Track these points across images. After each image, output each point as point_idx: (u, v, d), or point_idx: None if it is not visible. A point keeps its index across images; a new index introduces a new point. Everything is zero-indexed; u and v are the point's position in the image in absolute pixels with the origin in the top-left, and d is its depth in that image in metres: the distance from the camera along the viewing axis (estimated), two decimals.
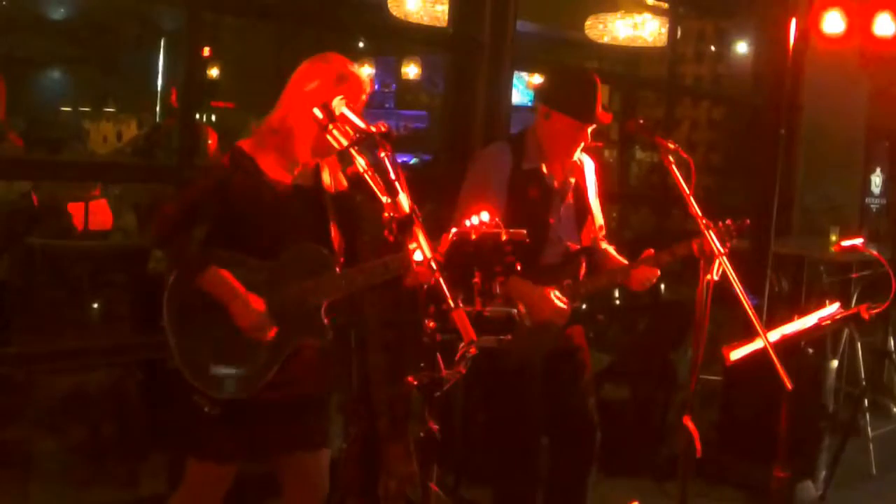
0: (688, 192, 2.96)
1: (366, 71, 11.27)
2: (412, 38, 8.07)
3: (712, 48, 8.75)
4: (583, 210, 3.60)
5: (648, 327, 6.14)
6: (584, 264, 3.56)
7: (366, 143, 2.42)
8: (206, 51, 10.68)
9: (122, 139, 10.23)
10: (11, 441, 4.38)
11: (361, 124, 2.47)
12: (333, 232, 2.83)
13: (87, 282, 5.16)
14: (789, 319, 3.28)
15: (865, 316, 3.34)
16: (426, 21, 7.22)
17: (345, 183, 2.92)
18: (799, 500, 4.66)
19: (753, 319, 2.88)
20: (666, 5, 7.55)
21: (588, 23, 8.13)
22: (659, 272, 3.47)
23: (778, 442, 3.14)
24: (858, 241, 5.30)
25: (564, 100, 3.42)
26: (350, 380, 3.53)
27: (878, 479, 5.28)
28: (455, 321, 2.05)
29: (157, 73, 12.20)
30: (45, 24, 11.30)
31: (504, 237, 2.23)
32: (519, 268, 2.23)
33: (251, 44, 10.54)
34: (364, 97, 2.79)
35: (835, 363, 5.09)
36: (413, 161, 9.80)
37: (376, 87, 11.87)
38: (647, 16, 8.01)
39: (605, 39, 8.14)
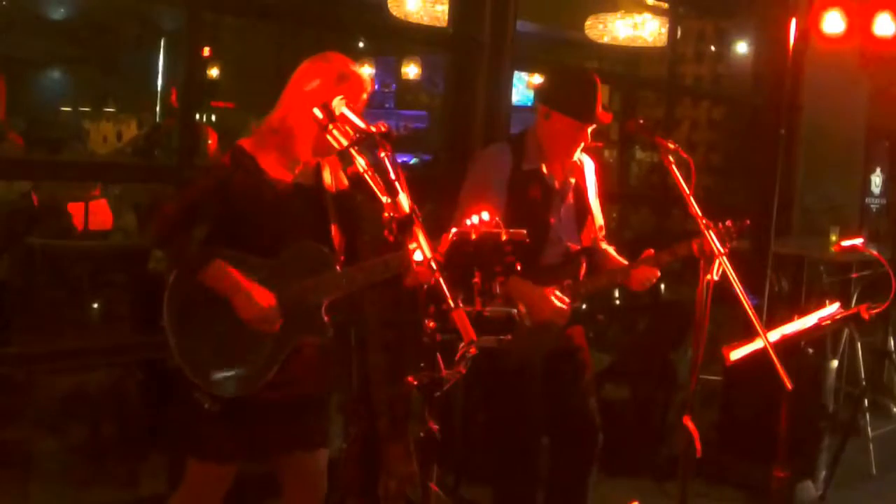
0: (688, 192, 2.96)
1: (366, 71, 11.25)
2: (412, 38, 8.07)
3: (712, 48, 8.74)
4: (583, 210, 3.60)
5: (648, 327, 6.14)
6: (584, 264, 3.56)
7: (366, 143, 2.42)
8: (206, 51, 10.68)
9: (122, 139, 10.23)
10: (11, 441, 4.38)
11: (361, 124, 2.47)
12: (334, 231, 2.83)
13: (87, 282, 5.16)
14: (789, 319, 3.28)
15: (865, 316, 3.34)
16: (426, 21, 7.22)
17: (346, 182, 2.92)
18: (799, 500, 4.66)
19: (753, 319, 2.87)
20: (666, 5, 7.55)
21: (588, 23, 8.14)
22: (659, 272, 3.47)
23: (778, 442, 3.14)
24: (858, 241, 5.30)
25: (564, 100, 3.41)
26: (350, 380, 3.54)
27: (878, 479, 5.28)
28: (455, 321, 2.05)
29: (157, 73, 12.20)
30: (45, 24, 11.29)
31: (504, 237, 2.23)
32: (519, 268, 2.23)
33: (251, 44, 10.53)
34: (365, 97, 2.79)
35: (835, 363, 5.09)
36: (413, 161, 9.80)
37: (376, 87, 11.87)
38: (647, 16, 8.02)
39: (605, 39, 8.15)
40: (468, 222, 2.26)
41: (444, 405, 2.25)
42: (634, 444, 4.89)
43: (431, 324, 2.19)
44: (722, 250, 2.94)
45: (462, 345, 2.06)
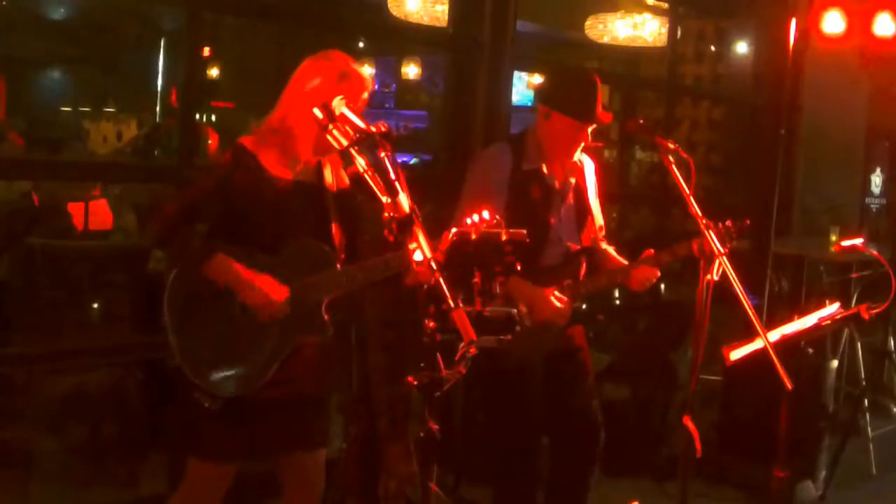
0: (688, 192, 2.96)
1: (366, 70, 11.25)
2: (412, 38, 8.08)
3: (712, 48, 8.73)
4: (583, 210, 3.60)
5: (648, 327, 6.14)
6: (584, 264, 3.56)
7: (366, 143, 2.42)
8: (206, 51, 10.68)
9: (122, 139, 10.21)
10: (11, 441, 4.37)
11: (361, 124, 2.47)
12: (334, 229, 2.83)
13: (87, 282, 5.15)
14: (789, 319, 3.28)
15: (865, 316, 3.34)
16: (426, 21, 7.22)
17: (347, 180, 2.92)
18: (799, 500, 4.66)
19: (753, 319, 2.88)
20: (666, 5, 7.55)
21: (588, 23, 8.14)
22: (659, 272, 3.47)
23: (778, 442, 3.14)
24: (858, 241, 5.30)
25: (564, 100, 3.41)
26: (350, 380, 3.53)
27: (878, 479, 5.28)
28: (455, 321, 2.05)
29: (157, 73, 12.19)
30: (45, 24, 11.29)
31: (504, 237, 2.23)
32: (519, 268, 2.23)
33: (251, 44, 10.53)
34: (365, 96, 2.79)
35: (835, 363, 5.09)
36: (413, 161, 9.80)
37: (376, 87, 11.86)
38: (647, 16, 8.02)
39: (605, 39, 8.15)
40: (468, 221, 2.26)
41: (444, 405, 2.25)
42: (634, 444, 4.89)
43: (431, 324, 2.19)
44: (722, 250, 2.94)
45: (462, 345, 2.06)
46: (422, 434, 2.22)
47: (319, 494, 2.96)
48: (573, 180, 3.56)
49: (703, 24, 8.74)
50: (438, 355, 2.17)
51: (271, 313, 2.66)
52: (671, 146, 3.09)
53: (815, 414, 4.79)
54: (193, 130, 4.24)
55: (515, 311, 3.21)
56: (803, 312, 3.34)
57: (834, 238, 5.78)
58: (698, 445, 2.92)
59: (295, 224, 2.77)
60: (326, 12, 4.84)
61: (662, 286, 6.19)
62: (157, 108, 12.07)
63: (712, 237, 2.95)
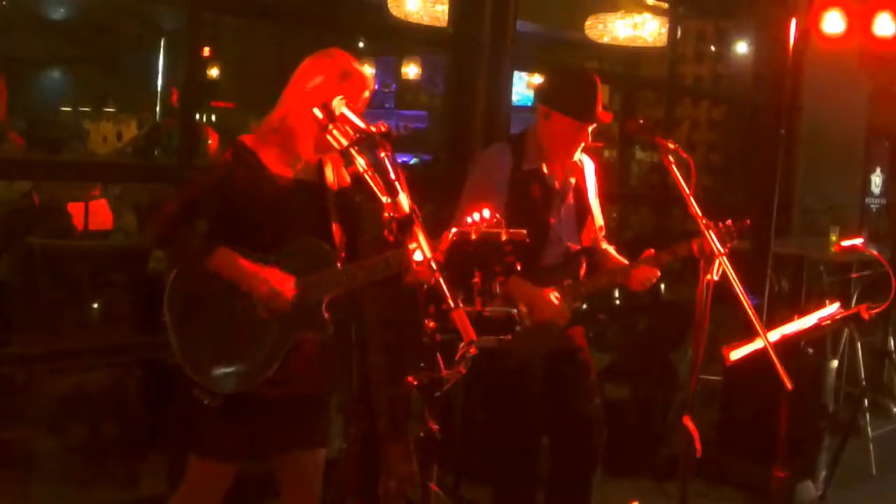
0: (688, 192, 2.96)
1: (367, 69, 11.25)
2: (412, 38, 8.08)
3: (712, 48, 8.73)
4: (583, 210, 3.61)
5: (648, 327, 6.14)
6: (584, 264, 3.56)
7: (366, 143, 2.42)
8: (206, 51, 10.67)
9: (122, 139, 10.20)
10: (11, 441, 4.37)
11: (361, 124, 2.47)
12: (335, 227, 2.83)
13: (87, 282, 5.14)
14: (789, 319, 3.28)
15: (865, 316, 3.34)
16: (426, 21, 7.22)
17: (348, 179, 2.92)
18: (799, 500, 4.66)
19: (753, 319, 2.88)
20: (666, 5, 7.55)
21: (588, 23, 8.14)
22: (659, 272, 3.47)
23: (778, 442, 3.14)
24: (858, 241, 5.31)
25: (564, 100, 3.41)
26: (350, 379, 3.53)
27: (878, 479, 5.28)
28: (455, 321, 2.05)
29: (157, 73, 12.19)
30: (45, 24, 11.29)
31: (504, 237, 2.23)
32: (519, 268, 2.23)
33: (251, 44, 10.53)
34: (366, 95, 2.79)
35: (835, 363, 5.10)
36: (413, 161, 9.79)
37: (376, 86, 11.86)
38: (647, 16, 8.02)
39: (605, 39, 8.15)
40: (469, 220, 2.26)
41: (444, 405, 2.25)
42: (635, 444, 4.89)
43: (431, 324, 2.19)
44: (722, 250, 2.94)
45: (462, 345, 2.06)
46: (422, 434, 2.22)
47: (317, 494, 2.96)
48: (573, 180, 3.57)
49: (703, 24, 8.74)
50: (438, 355, 2.17)
51: (278, 306, 2.66)
52: (671, 146, 3.09)
53: (815, 414, 4.79)
54: (193, 130, 4.25)
55: (515, 311, 3.21)
56: (803, 312, 3.34)
57: (834, 238, 5.79)
58: (698, 445, 2.92)
59: (295, 222, 2.77)
60: (326, 12, 4.84)
61: (662, 286, 6.19)
62: (157, 108, 12.06)
63: (712, 237, 2.95)
